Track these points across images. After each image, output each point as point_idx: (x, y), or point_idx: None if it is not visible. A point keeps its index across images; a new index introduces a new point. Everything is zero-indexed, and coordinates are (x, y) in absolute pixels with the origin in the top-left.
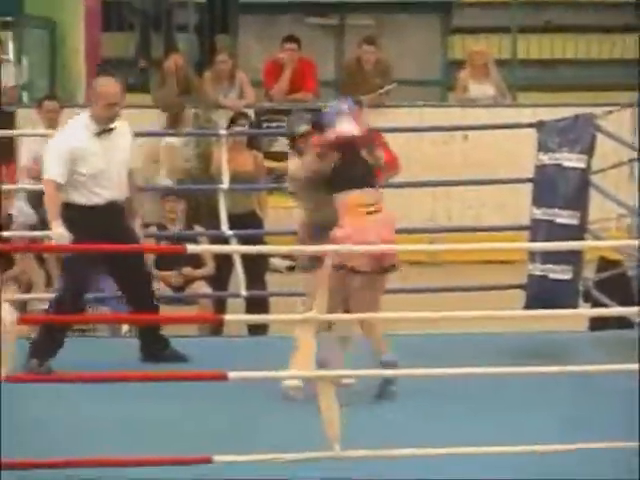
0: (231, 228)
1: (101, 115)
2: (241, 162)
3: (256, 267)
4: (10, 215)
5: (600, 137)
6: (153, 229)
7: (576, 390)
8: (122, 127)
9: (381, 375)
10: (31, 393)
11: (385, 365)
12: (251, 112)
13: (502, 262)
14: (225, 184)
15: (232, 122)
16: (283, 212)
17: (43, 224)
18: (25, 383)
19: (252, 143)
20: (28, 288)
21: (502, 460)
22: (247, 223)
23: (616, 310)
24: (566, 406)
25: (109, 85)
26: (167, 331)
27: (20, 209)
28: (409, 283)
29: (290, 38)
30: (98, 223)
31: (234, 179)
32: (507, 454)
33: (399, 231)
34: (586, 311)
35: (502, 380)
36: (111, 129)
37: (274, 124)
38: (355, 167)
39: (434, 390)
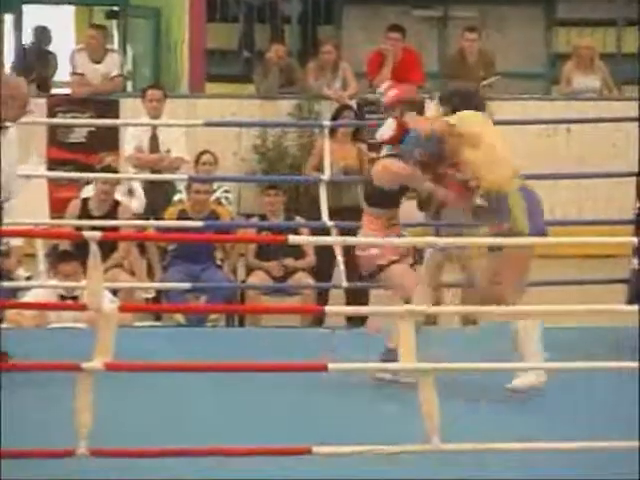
0: (337, 220)
1: (15, 116)
2: (345, 155)
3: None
4: (117, 202)
5: None
6: (255, 220)
7: None
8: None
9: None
10: (130, 381)
11: None
12: (354, 103)
13: (605, 256)
14: (326, 175)
15: (337, 114)
16: None
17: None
18: (125, 371)
19: (357, 135)
20: (131, 275)
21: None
22: (350, 216)
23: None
24: None
25: (24, 86)
26: (268, 321)
27: (128, 197)
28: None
29: (394, 27)
30: None
31: (337, 171)
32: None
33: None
34: None
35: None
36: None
37: (377, 115)
38: None
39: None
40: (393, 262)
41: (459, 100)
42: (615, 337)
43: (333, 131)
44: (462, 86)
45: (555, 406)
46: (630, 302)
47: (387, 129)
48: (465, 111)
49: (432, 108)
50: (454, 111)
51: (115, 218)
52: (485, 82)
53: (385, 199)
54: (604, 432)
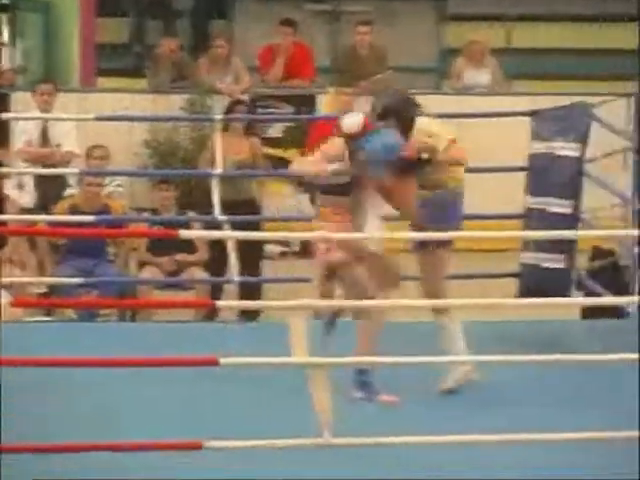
0: (230, 215)
1: None
2: (237, 149)
3: (251, 253)
4: (4, 197)
5: (595, 126)
6: (147, 214)
7: (571, 378)
8: None
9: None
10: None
11: None
12: (246, 98)
13: (495, 250)
14: (219, 170)
15: (229, 109)
16: (276, 198)
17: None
18: (14, 366)
19: (249, 130)
20: (22, 270)
21: (501, 449)
22: (244, 210)
23: (609, 299)
24: (565, 394)
25: None
26: (160, 316)
27: (18, 191)
28: (403, 271)
29: (286, 21)
30: None
31: (231, 166)
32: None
33: (389, 219)
34: (579, 300)
35: (493, 368)
36: None
37: (270, 110)
38: None
39: (428, 380)
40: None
41: (399, 113)
42: (507, 331)
43: (226, 126)
44: (395, 96)
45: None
46: (521, 295)
47: (355, 122)
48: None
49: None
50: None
51: (3, 213)
52: (377, 77)
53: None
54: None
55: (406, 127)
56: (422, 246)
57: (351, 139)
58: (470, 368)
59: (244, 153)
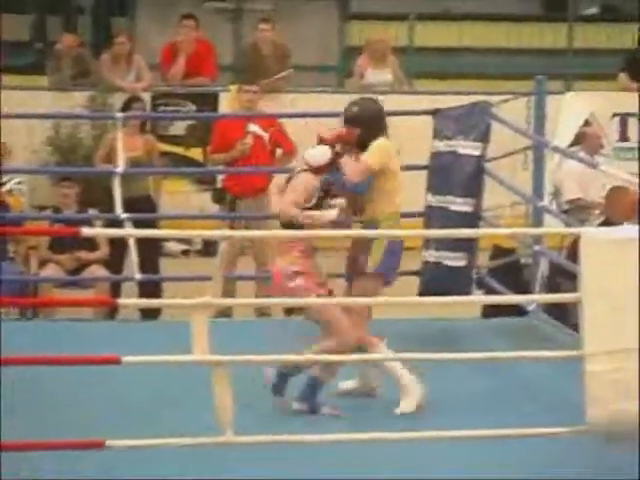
0: (126, 212)
1: None
2: (132, 146)
3: (150, 251)
4: None
5: (496, 125)
6: (48, 212)
7: (475, 376)
8: None
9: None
10: None
11: None
12: (148, 96)
13: None
14: (120, 167)
15: (126, 106)
16: (178, 196)
17: None
18: None
19: (145, 127)
20: None
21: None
22: (141, 207)
23: (509, 298)
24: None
25: None
26: (62, 314)
27: None
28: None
29: (188, 16)
30: None
31: (127, 163)
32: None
33: None
34: (480, 298)
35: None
36: None
37: (171, 108)
38: None
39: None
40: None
41: (368, 122)
42: (408, 329)
43: (124, 123)
44: (366, 104)
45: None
46: (422, 293)
47: (320, 156)
48: (379, 142)
49: None
50: (365, 132)
51: None
52: (279, 75)
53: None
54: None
55: (367, 140)
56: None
57: (318, 173)
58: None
59: (138, 150)
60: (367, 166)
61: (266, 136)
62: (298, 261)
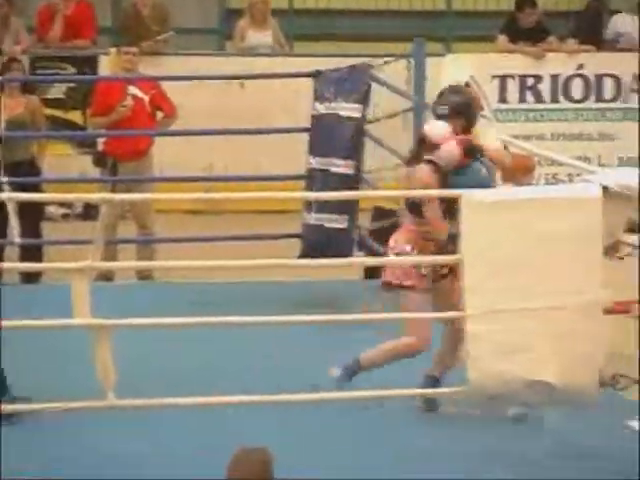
0: (11, 176)
1: None
2: (13, 106)
3: (30, 215)
4: None
5: (376, 87)
6: None
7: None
8: None
9: None
10: None
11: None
12: (26, 59)
13: (280, 211)
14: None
15: (5, 67)
16: (59, 160)
17: None
18: None
19: (26, 89)
20: None
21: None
22: (25, 171)
23: (390, 260)
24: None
25: None
26: None
27: None
28: (188, 232)
29: None
30: None
31: (9, 126)
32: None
33: (177, 180)
34: (361, 260)
35: (282, 328)
36: None
37: (50, 71)
38: None
39: (215, 339)
40: (413, 288)
41: (469, 113)
42: (290, 291)
43: (2, 85)
44: (463, 94)
45: None
46: (304, 256)
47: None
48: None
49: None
50: (466, 124)
51: None
52: (159, 37)
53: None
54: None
55: (469, 128)
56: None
57: (439, 169)
58: None
59: (19, 110)
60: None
61: (146, 99)
62: (414, 243)
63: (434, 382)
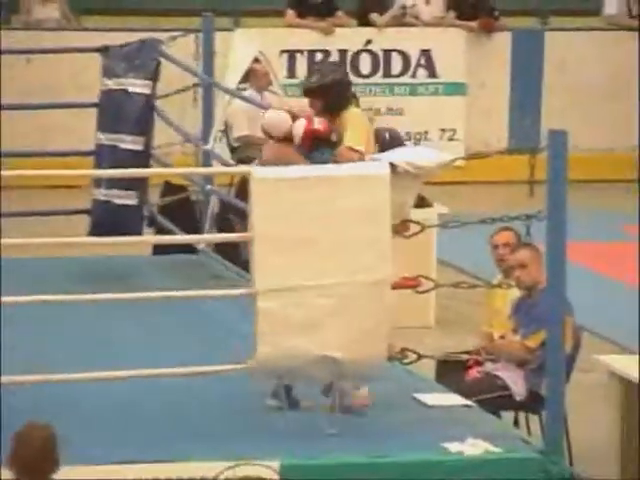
0: None
1: None
2: None
3: None
4: None
5: (165, 63)
6: None
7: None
8: None
9: None
10: None
11: None
12: None
13: (68, 187)
14: None
15: None
16: None
17: None
18: None
19: None
20: None
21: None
22: None
23: (180, 237)
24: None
25: None
26: None
27: None
28: None
29: None
30: None
31: None
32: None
33: None
34: (150, 238)
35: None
36: None
37: None
38: None
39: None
40: None
41: (336, 94)
42: (77, 267)
43: None
44: (333, 74)
45: None
46: (92, 233)
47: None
48: (352, 112)
49: None
50: (327, 105)
51: None
52: None
53: None
54: None
55: (330, 111)
56: None
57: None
58: None
59: None
60: (359, 156)
61: None
62: None
63: None
